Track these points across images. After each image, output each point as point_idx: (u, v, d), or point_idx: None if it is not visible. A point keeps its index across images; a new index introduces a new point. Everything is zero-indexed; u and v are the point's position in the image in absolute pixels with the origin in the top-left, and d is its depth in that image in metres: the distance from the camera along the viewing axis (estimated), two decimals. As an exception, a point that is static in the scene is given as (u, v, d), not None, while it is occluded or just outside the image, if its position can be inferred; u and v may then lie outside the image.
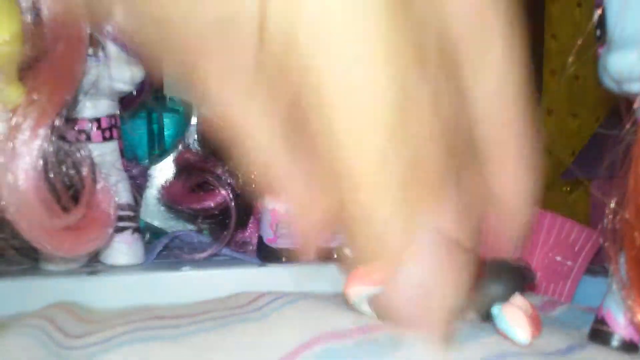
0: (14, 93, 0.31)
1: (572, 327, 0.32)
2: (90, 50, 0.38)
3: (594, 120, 0.72)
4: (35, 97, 0.31)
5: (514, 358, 0.25)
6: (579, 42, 0.31)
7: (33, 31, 0.31)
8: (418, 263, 0.22)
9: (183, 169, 0.48)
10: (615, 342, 0.28)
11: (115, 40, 0.39)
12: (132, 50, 0.39)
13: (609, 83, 0.28)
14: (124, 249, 0.42)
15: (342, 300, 0.36)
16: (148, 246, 0.45)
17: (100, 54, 0.38)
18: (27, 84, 0.31)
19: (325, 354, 0.24)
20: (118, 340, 0.28)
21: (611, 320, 0.28)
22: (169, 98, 0.56)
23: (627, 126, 0.29)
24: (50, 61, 0.32)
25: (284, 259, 0.43)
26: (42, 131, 0.32)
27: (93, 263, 0.42)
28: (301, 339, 0.26)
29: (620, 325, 0.28)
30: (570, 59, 0.32)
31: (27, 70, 0.31)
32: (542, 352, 0.27)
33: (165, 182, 0.49)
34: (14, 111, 0.31)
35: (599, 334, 0.28)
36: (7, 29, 0.29)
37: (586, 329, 0.30)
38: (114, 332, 0.29)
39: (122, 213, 0.41)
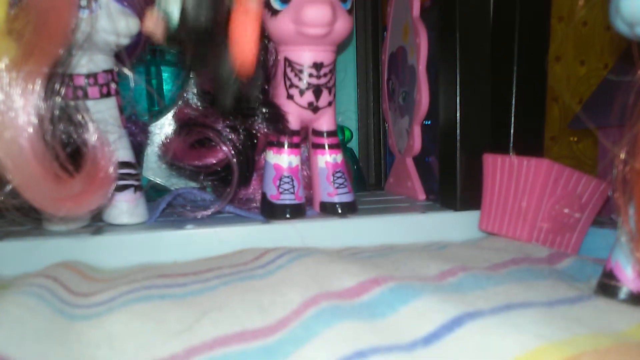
0: (6, 48, 0.30)
1: (579, 279, 0.32)
2: (83, 1, 0.36)
3: (602, 67, 0.71)
4: (27, 52, 0.30)
5: (521, 307, 0.25)
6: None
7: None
8: None
9: (183, 125, 0.47)
10: (623, 295, 0.28)
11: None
12: (128, 1, 0.38)
13: (620, 26, 0.27)
14: (126, 207, 0.41)
15: (346, 255, 0.36)
16: (151, 204, 0.45)
17: (94, 4, 0.37)
18: (17, 39, 0.30)
19: (330, 311, 0.24)
20: (123, 299, 0.28)
21: (619, 273, 0.28)
22: (167, 51, 0.55)
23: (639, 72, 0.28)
24: (39, 13, 0.31)
25: (287, 215, 0.43)
26: (37, 87, 0.31)
27: (96, 223, 0.42)
28: (306, 296, 0.26)
29: (628, 278, 0.28)
30: (580, 3, 0.30)
31: (17, 24, 0.30)
32: (549, 301, 0.26)
33: (166, 138, 0.48)
34: (6, 67, 0.30)
35: (607, 287, 0.28)
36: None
37: (593, 281, 0.30)
38: (118, 290, 0.29)
39: (122, 171, 0.40)
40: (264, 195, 0.44)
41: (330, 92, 0.44)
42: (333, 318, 0.23)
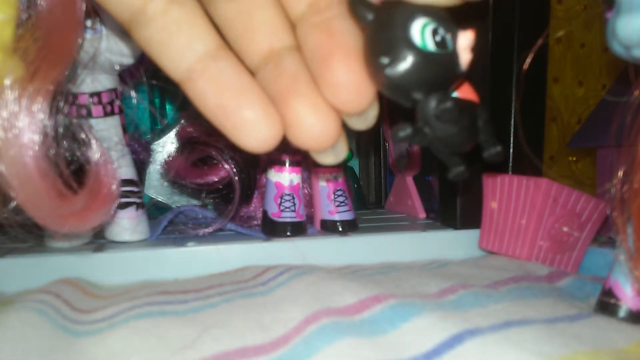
0: (13, 67, 0.30)
1: (579, 297, 0.32)
2: (88, 22, 0.37)
3: (600, 88, 0.71)
4: (32, 70, 0.31)
5: (520, 325, 0.25)
6: (586, 8, 0.31)
7: (28, 4, 0.31)
8: None
9: (186, 143, 0.48)
10: (622, 313, 0.28)
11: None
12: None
13: (617, 48, 0.28)
14: (128, 225, 0.41)
15: (347, 273, 0.36)
16: (153, 222, 0.45)
17: (98, 26, 0.38)
18: (23, 58, 0.30)
19: (331, 327, 0.24)
20: (124, 315, 0.28)
21: (618, 291, 0.28)
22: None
23: (637, 92, 0.28)
24: (46, 33, 0.31)
25: (288, 233, 0.43)
26: (41, 105, 0.31)
27: (98, 240, 0.42)
28: (307, 313, 0.26)
29: (627, 296, 0.28)
30: (578, 25, 0.31)
31: (23, 43, 0.30)
32: (549, 319, 0.26)
33: (168, 156, 0.49)
34: (11, 85, 0.30)
35: (606, 305, 0.28)
36: (3, 3, 0.29)
37: (593, 300, 0.30)
38: (120, 307, 0.29)
39: (125, 189, 0.41)
40: (265, 213, 0.44)
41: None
42: (334, 335, 0.24)
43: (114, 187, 0.37)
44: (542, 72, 0.47)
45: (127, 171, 0.42)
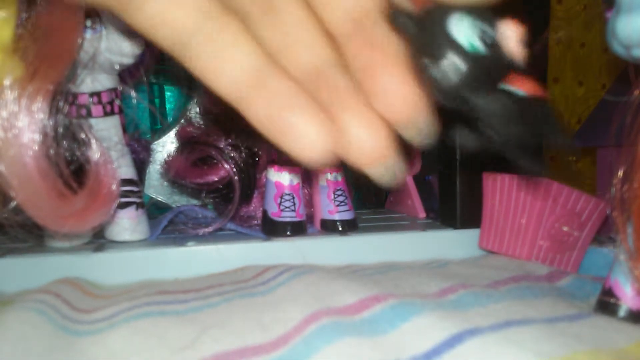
0: (13, 68, 0.30)
1: (578, 297, 0.32)
2: (88, 22, 0.37)
3: (599, 88, 0.71)
4: (32, 70, 0.31)
5: (520, 324, 0.25)
6: (586, 8, 0.31)
7: (28, 4, 0.31)
8: None
9: (186, 143, 0.48)
10: (622, 313, 0.28)
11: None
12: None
13: (617, 48, 0.28)
14: (128, 224, 0.41)
15: (347, 272, 0.36)
16: (153, 221, 0.45)
17: (98, 26, 0.38)
18: (23, 58, 0.30)
19: (331, 327, 0.24)
20: (124, 315, 0.28)
21: (618, 291, 0.28)
22: (170, 70, 0.56)
23: (637, 92, 0.28)
24: (46, 33, 0.31)
25: (288, 233, 0.43)
26: (41, 105, 0.31)
27: (98, 239, 0.42)
28: (307, 312, 0.26)
29: (627, 296, 0.28)
30: (578, 25, 0.31)
31: (23, 43, 0.30)
32: (549, 319, 0.26)
33: (168, 156, 0.49)
34: (11, 85, 0.30)
35: (606, 304, 0.28)
36: (2, 2, 0.29)
37: (593, 299, 0.30)
38: (120, 307, 0.29)
39: (125, 188, 0.41)
40: (265, 212, 0.44)
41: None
42: (334, 334, 0.24)
43: (113, 186, 0.37)
44: (542, 72, 0.47)
45: (127, 171, 0.42)
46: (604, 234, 0.41)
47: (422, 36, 0.22)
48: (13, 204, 0.32)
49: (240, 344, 0.24)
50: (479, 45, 0.21)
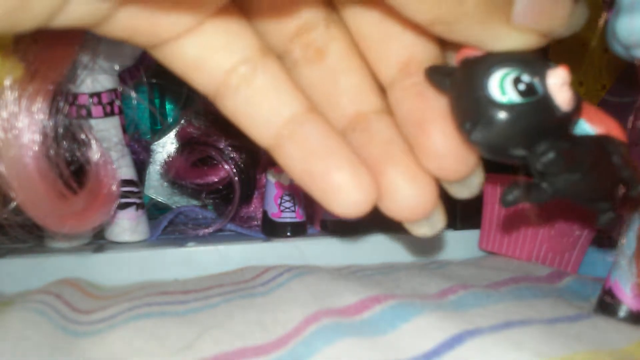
0: (12, 68, 0.30)
1: (579, 297, 0.32)
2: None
3: (600, 88, 0.71)
4: (32, 71, 0.31)
5: (520, 325, 0.25)
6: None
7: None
8: None
9: (186, 143, 0.48)
10: (622, 313, 0.28)
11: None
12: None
13: (617, 48, 0.28)
14: (128, 225, 0.41)
15: (347, 273, 0.36)
16: (153, 222, 0.45)
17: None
18: (23, 58, 0.30)
19: (331, 327, 0.24)
20: (124, 316, 0.28)
21: (619, 291, 0.28)
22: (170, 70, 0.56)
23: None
24: (46, 34, 0.31)
25: (288, 233, 0.43)
26: (42, 106, 0.31)
27: (98, 240, 0.42)
28: (307, 313, 0.26)
29: (627, 296, 0.28)
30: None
31: (23, 44, 0.30)
32: (549, 319, 0.26)
33: (168, 157, 0.49)
34: (11, 86, 0.30)
35: (606, 305, 0.28)
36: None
37: (593, 300, 0.30)
38: (120, 308, 0.29)
39: (125, 189, 0.41)
40: (265, 213, 0.44)
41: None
42: (334, 335, 0.24)
43: (113, 187, 0.37)
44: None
45: (127, 171, 0.42)
46: (604, 234, 0.41)
47: (457, 93, 0.21)
48: (13, 204, 0.32)
49: (240, 344, 0.24)
50: (515, 97, 0.20)
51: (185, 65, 0.22)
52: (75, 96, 0.39)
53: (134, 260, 0.38)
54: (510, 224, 0.39)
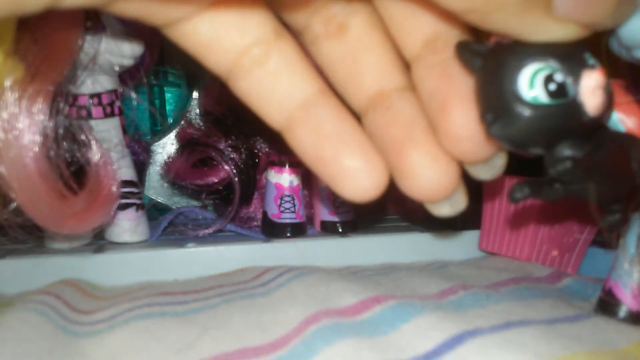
0: (12, 69, 0.30)
1: (579, 297, 0.32)
2: (88, 24, 0.37)
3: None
4: (32, 72, 0.31)
5: (520, 325, 0.25)
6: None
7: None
8: None
9: (186, 144, 0.48)
10: (622, 314, 0.28)
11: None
12: (132, 23, 0.39)
13: (618, 49, 0.28)
14: (128, 226, 0.41)
15: (347, 273, 0.36)
16: (153, 223, 0.45)
17: (99, 27, 0.38)
18: (23, 59, 0.30)
19: (331, 328, 0.24)
20: (124, 316, 0.28)
21: (619, 292, 0.28)
22: (170, 72, 0.56)
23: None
24: (46, 34, 0.32)
25: (288, 234, 0.43)
26: (42, 107, 0.31)
27: (98, 241, 0.42)
28: (307, 313, 0.26)
29: (627, 297, 0.28)
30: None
31: (23, 44, 0.30)
32: (549, 320, 0.26)
33: (168, 157, 0.49)
34: (11, 87, 0.30)
35: (606, 305, 0.28)
36: None
37: (593, 300, 0.30)
38: (120, 308, 0.29)
39: (125, 190, 0.41)
40: (265, 214, 0.44)
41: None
42: (334, 335, 0.24)
43: (113, 188, 0.37)
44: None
45: (127, 172, 0.42)
46: (604, 234, 0.41)
47: (485, 79, 0.20)
48: (13, 205, 0.32)
49: (240, 345, 0.24)
50: (544, 97, 0.19)
51: (198, 45, 0.22)
52: (76, 97, 0.39)
53: (134, 260, 0.38)
54: (510, 224, 0.39)
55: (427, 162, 0.21)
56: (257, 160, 0.47)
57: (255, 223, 0.48)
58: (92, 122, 0.39)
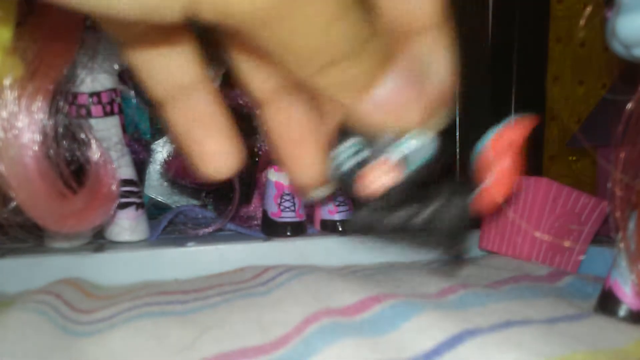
0: (12, 68, 0.30)
1: (578, 296, 0.32)
2: (88, 22, 0.37)
3: (600, 87, 0.71)
4: (32, 70, 0.31)
5: (520, 324, 0.25)
6: (586, 7, 0.31)
7: (28, 3, 0.31)
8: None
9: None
10: (622, 312, 0.28)
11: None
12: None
13: (617, 48, 0.28)
14: (128, 225, 0.41)
15: (347, 273, 0.36)
16: (153, 222, 0.45)
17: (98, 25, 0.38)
18: (23, 57, 0.30)
19: (331, 327, 0.24)
20: (124, 315, 0.28)
21: (618, 291, 0.28)
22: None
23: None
24: (45, 33, 0.31)
25: (288, 233, 0.43)
26: (41, 105, 0.31)
27: (98, 240, 0.42)
28: (307, 313, 0.26)
29: (627, 296, 0.28)
30: (579, 24, 0.31)
31: (23, 43, 0.30)
32: (549, 319, 0.26)
33: (168, 156, 0.49)
34: (11, 85, 0.30)
35: (606, 304, 0.28)
36: (1, 4, 0.29)
37: (593, 299, 0.30)
38: (120, 307, 0.29)
39: (125, 189, 0.41)
40: (265, 212, 0.44)
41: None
42: (334, 335, 0.24)
43: (113, 187, 0.37)
44: (542, 72, 0.47)
45: (126, 171, 0.42)
46: (604, 233, 0.41)
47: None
48: (13, 204, 0.32)
49: (240, 344, 0.24)
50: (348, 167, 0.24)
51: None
52: (75, 96, 0.39)
53: (134, 260, 0.38)
54: (511, 224, 0.39)
55: (314, 161, 0.26)
56: (256, 159, 0.47)
57: (255, 222, 0.48)
58: (92, 121, 0.39)
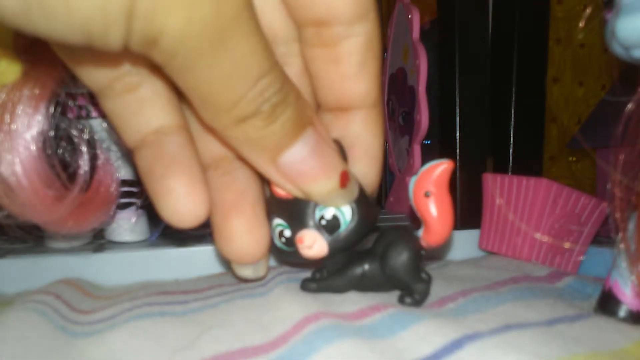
0: (11, 68, 0.30)
1: (579, 297, 0.32)
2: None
3: (599, 88, 0.71)
4: (32, 72, 0.31)
5: (520, 327, 0.25)
6: (586, 8, 0.31)
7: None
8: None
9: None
10: (622, 313, 0.28)
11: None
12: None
13: (617, 49, 0.28)
14: (128, 225, 0.41)
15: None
16: (153, 222, 0.45)
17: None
18: (23, 59, 0.30)
19: (331, 327, 0.24)
20: (124, 316, 0.28)
21: (618, 291, 0.28)
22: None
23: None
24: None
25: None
26: (41, 107, 0.31)
27: (98, 240, 0.42)
28: (307, 312, 0.26)
29: (627, 296, 0.28)
30: (578, 25, 0.31)
31: (23, 44, 0.30)
32: (549, 320, 0.26)
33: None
34: (11, 87, 0.30)
35: (606, 304, 0.28)
36: None
37: (593, 300, 0.30)
38: (120, 308, 0.29)
39: (125, 189, 0.41)
40: (264, 213, 0.44)
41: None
42: (334, 335, 0.24)
43: (113, 187, 0.37)
44: (542, 72, 0.47)
45: (126, 172, 0.42)
46: (604, 234, 0.41)
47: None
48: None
49: (240, 344, 0.24)
50: (281, 244, 0.29)
51: (77, 64, 0.24)
52: (75, 96, 0.39)
53: (134, 260, 0.38)
54: (510, 224, 0.39)
55: (245, 230, 0.27)
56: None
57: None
58: (92, 122, 0.39)
